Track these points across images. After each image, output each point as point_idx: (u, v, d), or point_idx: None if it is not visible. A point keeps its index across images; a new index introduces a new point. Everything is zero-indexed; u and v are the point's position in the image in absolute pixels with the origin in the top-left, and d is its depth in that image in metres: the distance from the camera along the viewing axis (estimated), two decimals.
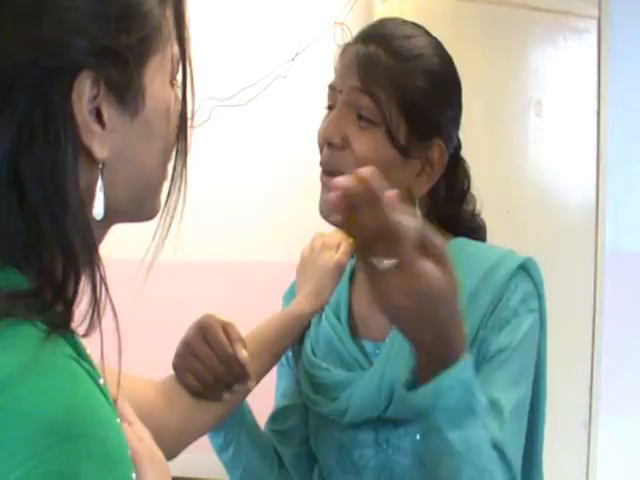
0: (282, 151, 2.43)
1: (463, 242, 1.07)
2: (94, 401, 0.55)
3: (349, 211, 0.76)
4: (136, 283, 0.85)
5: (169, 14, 0.65)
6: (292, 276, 1.20)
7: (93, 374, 0.57)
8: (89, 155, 0.61)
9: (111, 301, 0.61)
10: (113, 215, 0.65)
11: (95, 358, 0.61)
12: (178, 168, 0.68)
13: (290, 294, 1.19)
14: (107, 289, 0.61)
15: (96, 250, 0.62)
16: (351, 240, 1.15)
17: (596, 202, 2.56)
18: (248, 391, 1.05)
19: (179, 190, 0.68)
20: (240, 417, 1.10)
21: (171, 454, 0.89)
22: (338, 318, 1.10)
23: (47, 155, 0.58)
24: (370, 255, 0.77)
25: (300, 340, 1.13)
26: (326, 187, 1.01)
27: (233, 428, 1.10)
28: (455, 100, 1.05)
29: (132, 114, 0.63)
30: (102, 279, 0.61)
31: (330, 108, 1.03)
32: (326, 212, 0.99)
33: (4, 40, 0.57)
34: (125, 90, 0.62)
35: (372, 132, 0.98)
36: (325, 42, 2.32)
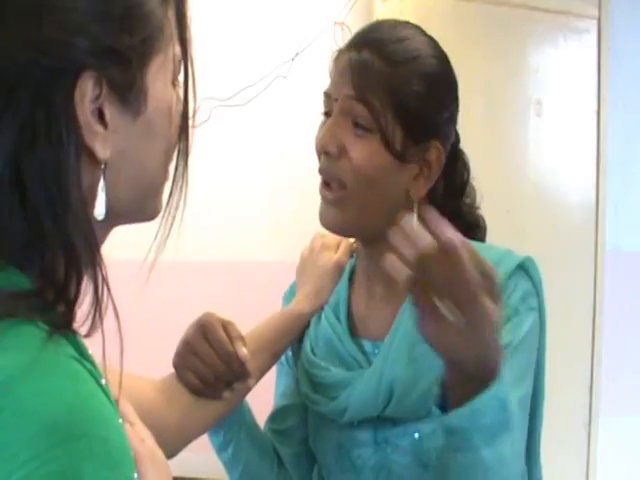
0: (282, 151, 2.42)
1: None
2: (96, 401, 0.55)
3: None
4: (137, 283, 0.85)
5: (171, 14, 0.66)
6: (292, 276, 1.20)
7: (95, 374, 0.57)
8: (91, 155, 0.61)
9: (113, 301, 0.61)
10: (115, 215, 0.65)
11: (97, 358, 0.61)
12: (180, 168, 0.68)
13: (290, 294, 1.19)
14: (109, 289, 0.61)
15: (98, 250, 0.62)
16: (351, 240, 1.16)
17: (596, 202, 2.56)
18: (248, 389, 1.05)
19: (180, 190, 0.68)
20: (239, 416, 1.11)
21: (171, 452, 0.90)
22: (337, 318, 1.11)
23: (49, 155, 0.58)
24: (434, 298, 0.77)
25: (300, 339, 1.14)
26: (325, 200, 1.02)
27: (233, 427, 1.10)
28: (451, 99, 1.04)
29: (134, 114, 0.63)
30: (104, 279, 0.61)
31: (327, 114, 1.03)
32: (330, 226, 1.03)
33: (5, 40, 0.57)
34: (127, 90, 0.62)
35: (368, 139, 0.98)
36: (325, 42, 2.32)
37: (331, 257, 1.15)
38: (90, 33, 0.59)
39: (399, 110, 0.98)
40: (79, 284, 0.60)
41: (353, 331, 1.10)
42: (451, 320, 0.77)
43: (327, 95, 1.03)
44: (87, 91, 0.59)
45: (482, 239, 1.12)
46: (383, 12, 2.30)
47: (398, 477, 1.03)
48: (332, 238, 1.16)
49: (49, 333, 0.56)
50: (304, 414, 1.15)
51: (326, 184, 1.02)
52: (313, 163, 1.04)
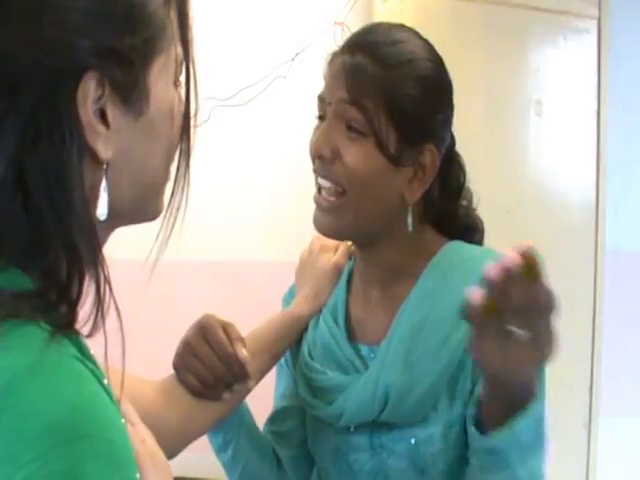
0: (282, 151, 2.42)
1: (458, 246, 1.06)
2: (99, 401, 0.55)
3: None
4: (138, 283, 0.85)
5: (173, 15, 0.65)
6: (292, 276, 1.20)
7: (97, 374, 0.57)
8: (93, 156, 0.61)
9: (115, 302, 0.61)
10: (117, 215, 0.65)
11: (99, 358, 0.61)
12: (181, 168, 0.68)
13: (290, 296, 1.19)
14: (111, 290, 0.61)
15: (100, 251, 0.62)
16: (349, 243, 1.16)
17: (596, 202, 2.56)
18: (248, 391, 1.05)
19: (182, 190, 0.68)
20: (239, 418, 1.11)
21: (171, 453, 0.89)
22: (335, 321, 1.10)
23: (52, 156, 0.58)
24: (501, 320, 0.77)
25: (299, 342, 1.14)
26: (321, 207, 1.02)
27: (232, 428, 1.10)
28: (446, 102, 1.04)
29: (136, 115, 0.63)
30: (106, 280, 0.61)
31: (321, 118, 1.03)
32: (325, 232, 1.03)
33: (7, 40, 0.57)
34: (130, 91, 0.62)
35: (362, 143, 0.98)
36: (325, 42, 2.32)
37: (330, 259, 1.15)
38: (92, 33, 0.59)
39: (393, 113, 0.97)
40: (81, 284, 0.60)
41: (351, 335, 1.09)
42: (518, 335, 0.77)
43: (321, 99, 1.03)
44: (89, 92, 0.59)
45: (480, 242, 1.12)
46: (383, 12, 2.30)
47: None
48: (330, 240, 1.16)
49: (52, 333, 0.56)
50: (303, 416, 1.15)
51: (321, 191, 1.02)
52: None
